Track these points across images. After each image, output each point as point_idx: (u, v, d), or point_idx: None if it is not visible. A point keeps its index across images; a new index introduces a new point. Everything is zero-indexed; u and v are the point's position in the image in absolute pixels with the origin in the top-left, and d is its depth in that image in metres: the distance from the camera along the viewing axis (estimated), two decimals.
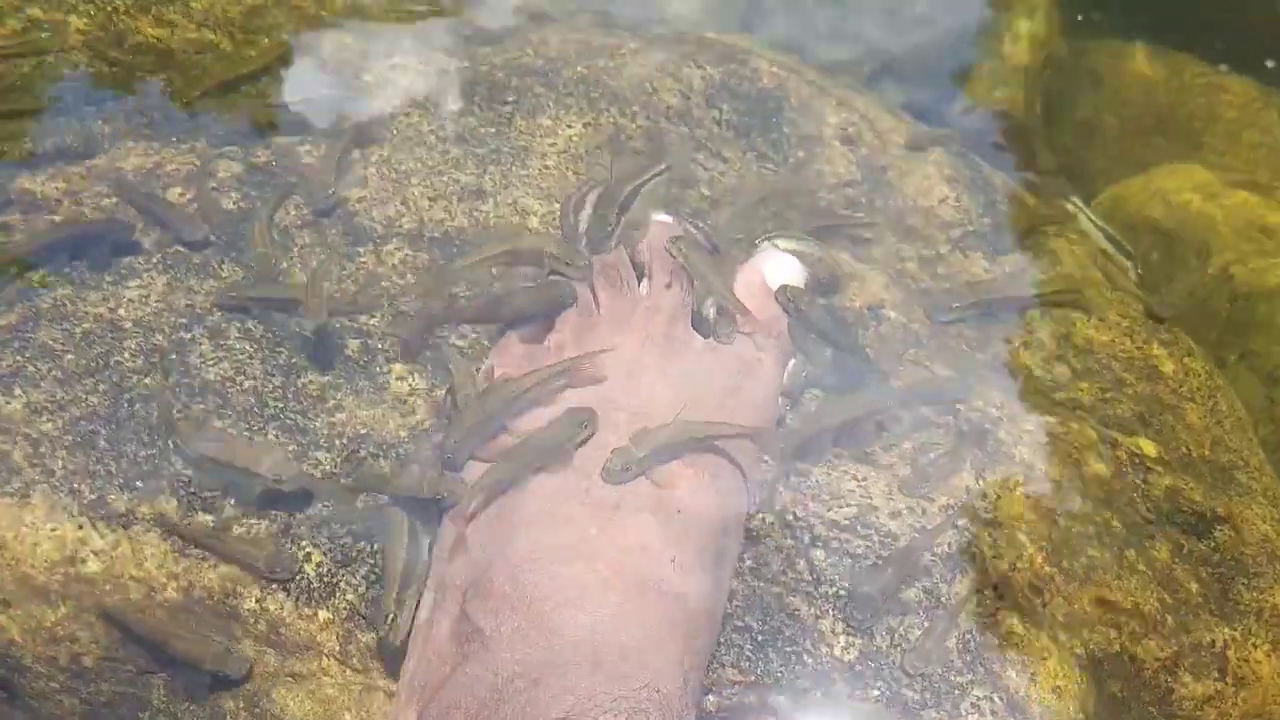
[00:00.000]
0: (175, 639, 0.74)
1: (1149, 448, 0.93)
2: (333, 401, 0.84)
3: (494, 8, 1.18)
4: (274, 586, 0.76)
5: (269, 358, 0.85)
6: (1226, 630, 0.84)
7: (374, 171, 0.98)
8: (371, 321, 0.88)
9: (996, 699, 0.75)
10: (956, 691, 0.75)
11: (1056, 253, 1.08)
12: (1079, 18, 1.55)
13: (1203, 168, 1.33)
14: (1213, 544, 0.88)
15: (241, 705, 0.75)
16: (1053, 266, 1.06)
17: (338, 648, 0.75)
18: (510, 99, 1.05)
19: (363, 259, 0.92)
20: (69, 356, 0.83)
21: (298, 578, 0.76)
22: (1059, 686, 0.77)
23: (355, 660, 0.75)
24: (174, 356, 0.84)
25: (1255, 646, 0.84)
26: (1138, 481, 0.90)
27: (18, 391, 0.81)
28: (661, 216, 0.92)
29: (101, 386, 0.82)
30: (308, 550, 0.77)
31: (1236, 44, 1.49)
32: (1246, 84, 1.48)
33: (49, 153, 0.96)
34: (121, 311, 0.87)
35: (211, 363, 0.84)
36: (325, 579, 0.76)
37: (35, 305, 0.86)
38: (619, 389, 0.80)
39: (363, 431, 0.82)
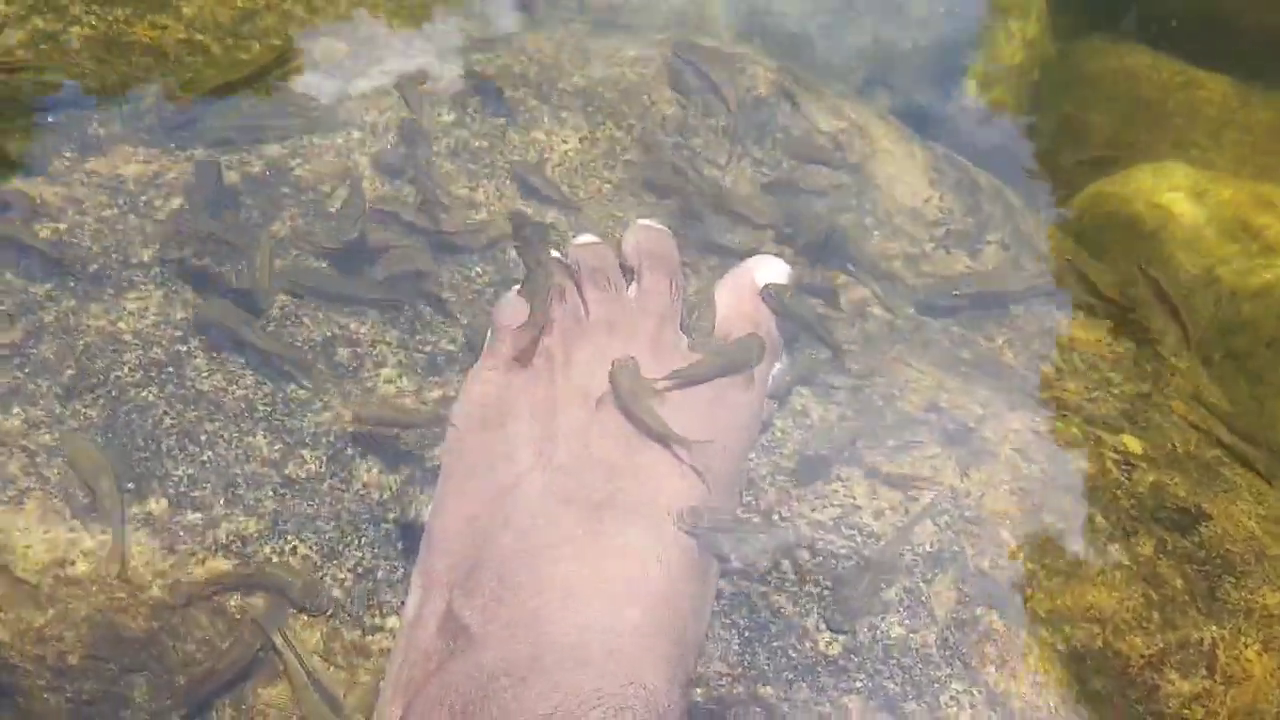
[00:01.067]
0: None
1: (1133, 444, 0.92)
2: (320, 404, 0.85)
3: (486, 11, 1.18)
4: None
5: (260, 366, 0.87)
6: (1214, 628, 0.84)
7: (366, 185, 0.99)
8: (361, 329, 0.90)
9: (976, 692, 0.76)
10: (936, 685, 0.75)
11: (1041, 252, 1.09)
12: (1070, 17, 1.56)
13: (1185, 165, 1.33)
14: (1198, 540, 0.88)
15: (226, 701, 0.76)
16: (1037, 264, 1.06)
17: (322, 644, 0.76)
18: (504, 111, 1.06)
19: None
20: (69, 373, 0.85)
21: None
22: (1039, 682, 0.78)
23: (339, 657, 0.76)
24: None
25: (1247, 645, 0.84)
26: (1122, 478, 0.90)
27: (15, 409, 0.83)
28: (646, 220, 0.93)
29: (100, 401, 0.83)
30: (293, 544, 0.78)
31: (1208, 41, 1.50)
32: (1223, 81, 1.48)
33: (46, 156, 0.98)
34: (121, 325, 0.88)
35: (205, 375, 0.86)
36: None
37: (40, 319, 0.88)
38: (607, 388, 0.80)
39: (350, 430, 0.83)
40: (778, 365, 0.88)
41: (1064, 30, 1.56)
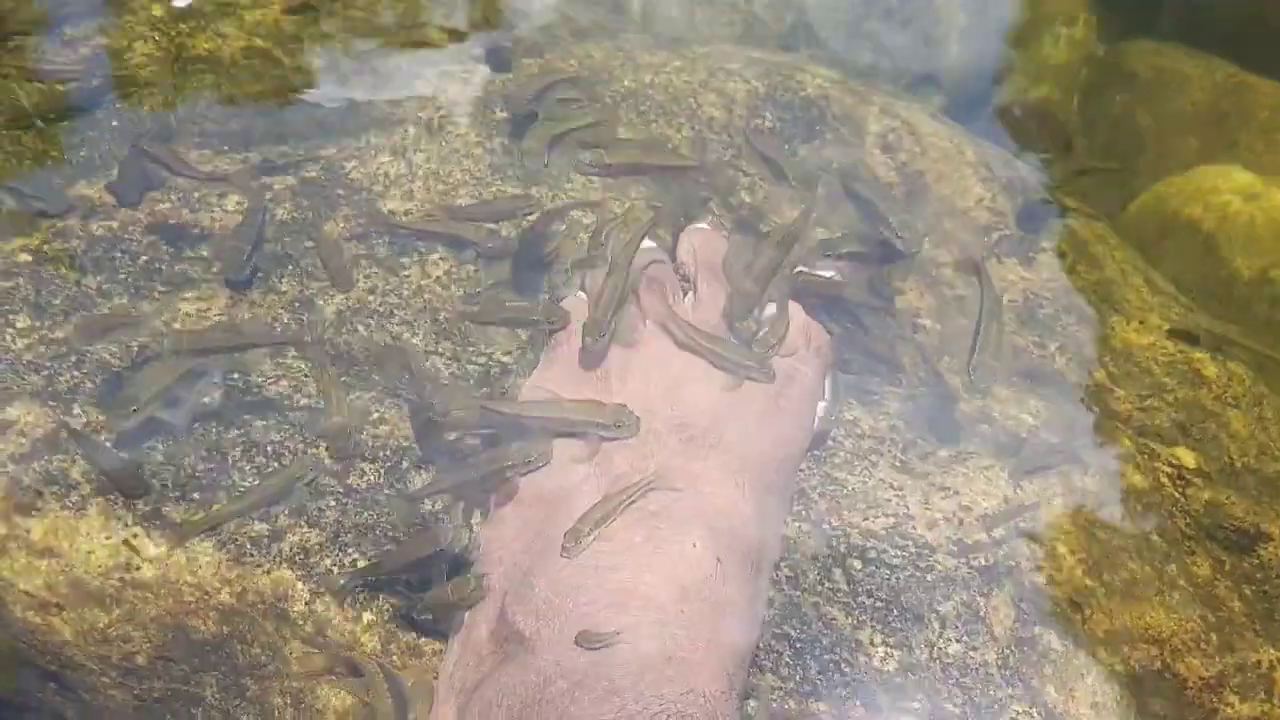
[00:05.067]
0: None
1: (1188, 458, 0.92)
2: (376, 415, 0.85)
3: (536, 21, 1.18)
4: (321, 589, 0.78)
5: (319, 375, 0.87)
6: (1273, 651, 0.83)
7: (420, 184, 1.00)
8: (415, 340, 0.90)
9: (1036, 713, 0.76)
10: (996, 705, 0.75)
11: (1097, 257, 1.07)
12: (1117, 19, 1.53)
13: (1243, 169, 1.31)
14: (1256, 561, 0.88)
15: (288, 702, 0.78)
16: (1093, 270, 1.05)
17: (379, 648, 0.77)
18: None
19: (407, 272, 0.94)
20: (127, 373, 0.85)
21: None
22: (1098, 703, 0.78)
23: (396, 660, 0.77)
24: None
25: None
26: (1176, 495, 0.89)
27: (77, 410, 0.84)
28: (701, 225, 0.93)
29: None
30: (354, 556, 0.79)
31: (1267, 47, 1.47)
32: (1276, 86, 1.45)
33: (103, 159, 0.99)
34: (178, 326, 0.89)
35: (271, 380, 0.87)
36: (370, 582, 0.78)
37: (91, 314, 0.89)
38: (662, 399, 0.81)
39: (405, 444, 0.84)
40: (822, 404, 0.87)
41: (1112, 32, 1.54)
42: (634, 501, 0.74)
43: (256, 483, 0.81)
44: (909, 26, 1.41)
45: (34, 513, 0.80)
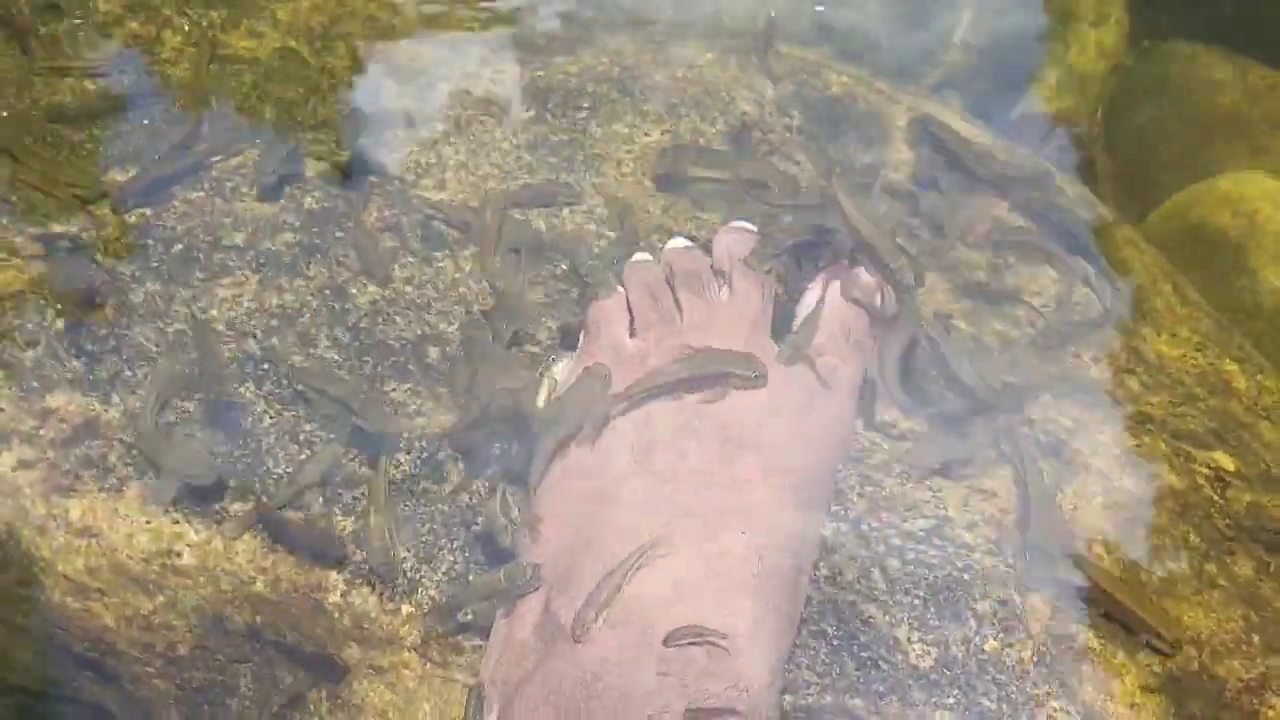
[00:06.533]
0: None
1: (1226, 462, 0.91)
2: (414, 407, 0.85)
3: (566, 13, 1.18)
4: (358, 581, 0.78)
5: (356, 367, 0.88)
6: None
7: (451, 176, 1.00)
8: (450, 329, 0.90)
9: (1073, 711, 0.75)
10: (1033, 703, 0.75)
11: (1127, 261, 1.07)
12: (1148, 23, 1.53)
13: (1266, 175, 1.29)
14: None
15: (324, 695, 0.78)
16: (1122, 275, 1.04)
17: (419, 641, 0.77)
18: (585, 105, 1.06)
19: (441, 263, 0.94)
20: (163, 361, 0.86)
21: None
22: (1136, 704, 0.77)
23: (435, 654, 0.77)
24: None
25: None
26: (1215, 496, 0.88)
27: (115, 399, 0.84)
28: (739, 222, 0.93)
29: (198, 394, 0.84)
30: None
31: None
32: None
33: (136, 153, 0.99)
34: (214, 312, 0.89)
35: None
36: (409, 574, 0.78)
37: (128, 299, 0.89)
38: (701, 397, 0.80)
39: (442, 435, 0.84)
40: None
41: (1144, 37, 1.53)
42: (639, 569, 0.72)
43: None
44: (928, 29, 1.41)
45: (72, 494, 0.80)
